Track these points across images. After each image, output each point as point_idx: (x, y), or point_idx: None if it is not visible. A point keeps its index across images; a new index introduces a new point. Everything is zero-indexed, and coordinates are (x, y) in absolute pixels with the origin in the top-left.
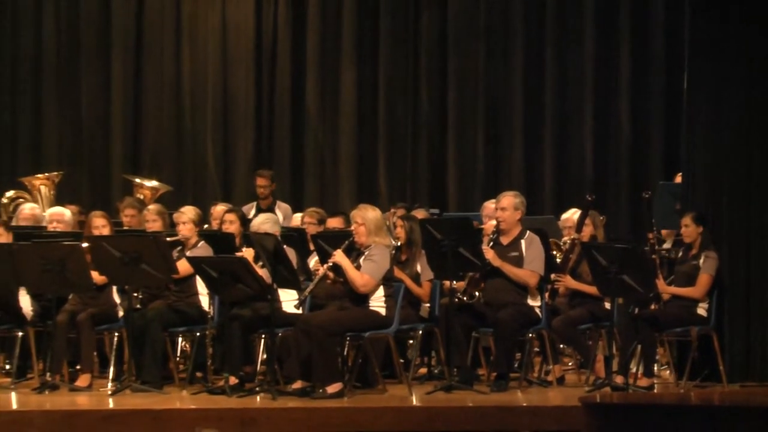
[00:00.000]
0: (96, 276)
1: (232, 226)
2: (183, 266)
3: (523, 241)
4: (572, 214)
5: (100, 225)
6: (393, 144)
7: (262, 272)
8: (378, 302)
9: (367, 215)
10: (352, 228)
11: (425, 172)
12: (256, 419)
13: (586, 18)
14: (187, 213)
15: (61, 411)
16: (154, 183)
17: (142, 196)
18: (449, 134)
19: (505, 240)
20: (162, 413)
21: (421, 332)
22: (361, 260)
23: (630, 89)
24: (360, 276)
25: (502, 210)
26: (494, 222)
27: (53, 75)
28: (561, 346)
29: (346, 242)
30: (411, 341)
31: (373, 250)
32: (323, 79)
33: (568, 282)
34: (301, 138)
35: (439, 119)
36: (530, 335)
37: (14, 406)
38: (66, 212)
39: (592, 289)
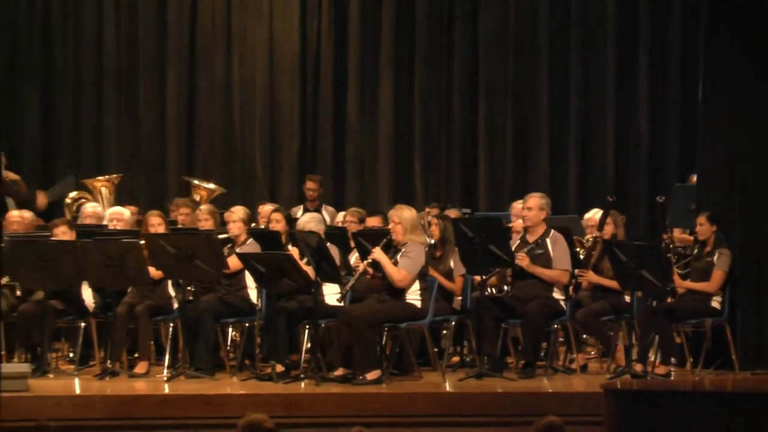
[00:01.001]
0: (153, 271)
1: (278, 224)
2: (234, 262)
3: (548, 240)
4: (594, 214)
5: (155, 223)
6: (428, 149)
7: (307, 268)
8: (414, 295)
9: (403, 215)
10: (390, 227)
11: (458, 175)
12: (300, 404)
13: (607, 31)
14: (237, 212)
15: (120, 396)
16: (211, 185)
17: (198, 197)
18: (480, 139)
19: (531, 238)
20: (214, 398)
21: (453, 323)
22: (398, 257)
23: (648, 96)
24: (397, 271)
25: (528, 209)
26: (521, 221)
27: (113, 85)
28: (584, 336)
29: (384, 240)
30: (444, 332)
31: (409, 247)
32: (363, 88)
33: (590, 277)
34: (343, 143)
35: (470, 125)
36: (555, 326)
37: (77, 391)
38: (125, 211)
39: (613, 284)
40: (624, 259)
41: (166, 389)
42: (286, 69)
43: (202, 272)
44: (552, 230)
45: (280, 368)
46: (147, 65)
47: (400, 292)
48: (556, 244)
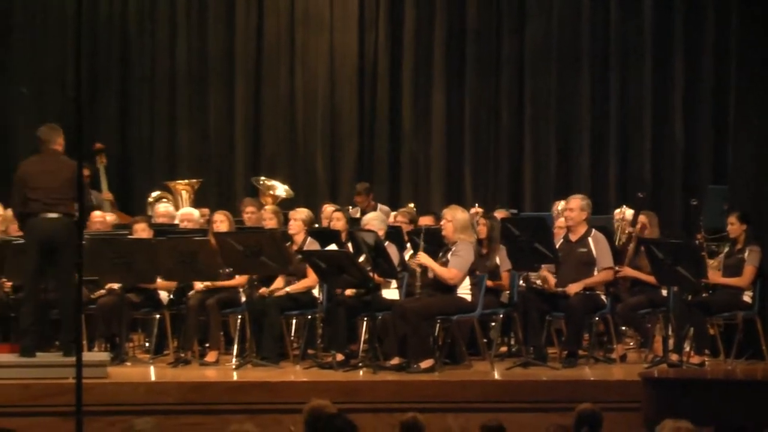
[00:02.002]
0: (223, 282)
1: (339, 223)
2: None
3: (590, 239)
4: (622, 209)
5: (218, 220)
6: (477, 153)
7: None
8: (464, 290)
9: (456, 215)
10: (441, 223)
11: (505, 177)
12: (359, 390)
13: (645, 41)
14: (301, 213)
15: (192, 382)
16: (282, 189)
17: (265, 203)
18: (526, 144)
19: (573, 237)
20: (278, 385)
21: (501, 316)
22: (449, 255)
23: (683, 102)
24: (447, 271)
25: (570, 210)
26: (563, 219)
27: (185, 94)
28: (623, 328)
29: (421, 241)
30: (493, 323)
31: (458, 246)
32: (417, 97)
33: (627, 271)
34: (398, 148)
35: (517, 131)
36: (596, 319)
37: (153, 378)
38: (195, 212)
39: (650, 279)
40: (661, 257)
41: (235, 376)
42: (346, 78)
43: (268, 268)
44: (593, 230)
45: (340, 357)
46: (216, 76)
47: (451, 287)
48: (598, 244)
